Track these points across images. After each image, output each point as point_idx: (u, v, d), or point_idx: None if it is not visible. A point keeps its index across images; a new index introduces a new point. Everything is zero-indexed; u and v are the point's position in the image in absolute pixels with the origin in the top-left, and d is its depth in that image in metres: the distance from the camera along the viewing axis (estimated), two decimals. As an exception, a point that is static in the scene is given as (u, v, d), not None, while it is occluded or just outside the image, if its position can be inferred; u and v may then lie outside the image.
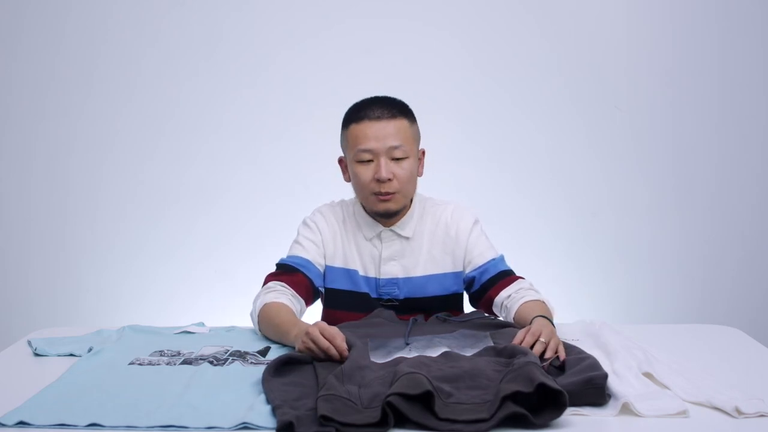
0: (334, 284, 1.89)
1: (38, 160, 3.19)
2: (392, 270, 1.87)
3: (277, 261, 1.88)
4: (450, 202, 1.94)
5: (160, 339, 1.72)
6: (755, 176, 3.18)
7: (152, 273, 3.19)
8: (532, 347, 1.46)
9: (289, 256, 1.87)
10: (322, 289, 1.90)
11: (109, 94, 3.14)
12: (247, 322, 1.84)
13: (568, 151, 3.17)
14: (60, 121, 3.16)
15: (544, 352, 1.46)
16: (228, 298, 3.05)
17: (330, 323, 1.81)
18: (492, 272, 1.84)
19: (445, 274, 1.88)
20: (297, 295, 1.80)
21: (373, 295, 1.88)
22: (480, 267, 1.85)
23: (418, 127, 1.86)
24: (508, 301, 1.78)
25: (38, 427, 1.24)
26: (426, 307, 1.87)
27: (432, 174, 2.97)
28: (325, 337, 1.48)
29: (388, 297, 1.88)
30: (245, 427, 1.23)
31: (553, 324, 1.63)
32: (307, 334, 1.50)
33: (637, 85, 3.14)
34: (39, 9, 3.10)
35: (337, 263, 1.88)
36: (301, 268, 1.84)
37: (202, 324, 1.83)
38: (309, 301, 1.86)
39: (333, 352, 1.47)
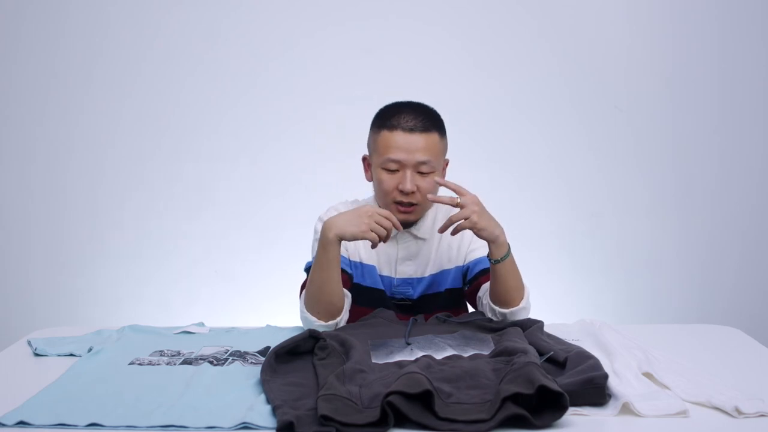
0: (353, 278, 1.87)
1: (38, 160, 3.19)
2: (407, 270, 1.87)
3: (304, 267, 1.84)
4: None
5: (160, 339, 1.71)
6: (755, 176, 3.18)
7: (152, 273, 3.19)
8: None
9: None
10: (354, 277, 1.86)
11: (109, 94, 3.14)
12: (247, 322, 1.83)
13: (568, 151, 3.17)
14: (60, 121, 3.16)
15: (542, 352, 1.46)
16: (228, 298, 3.06)
17: None
18: (483, 264, 1.83)
19: (449, 270, 1.89)
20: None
21: (387, 294, 1.87)
22: (475, 260, 1.86)
23: (446, 140, 1.84)
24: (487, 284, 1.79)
25: (38, 427, 1.24)
26: (438, 302, 1.87)
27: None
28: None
29: (402, 296, 1.88)
30: (245, 427, 1.23)
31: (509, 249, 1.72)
32: (370, 215, 1.65)
33: (637, 85, 3.14)
34: (39, 9, 3.10)
35: (355, 258, 1.87)
36: None
37: (202, 324, 1.83)
38: (349, 289, 1.81)
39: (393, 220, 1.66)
